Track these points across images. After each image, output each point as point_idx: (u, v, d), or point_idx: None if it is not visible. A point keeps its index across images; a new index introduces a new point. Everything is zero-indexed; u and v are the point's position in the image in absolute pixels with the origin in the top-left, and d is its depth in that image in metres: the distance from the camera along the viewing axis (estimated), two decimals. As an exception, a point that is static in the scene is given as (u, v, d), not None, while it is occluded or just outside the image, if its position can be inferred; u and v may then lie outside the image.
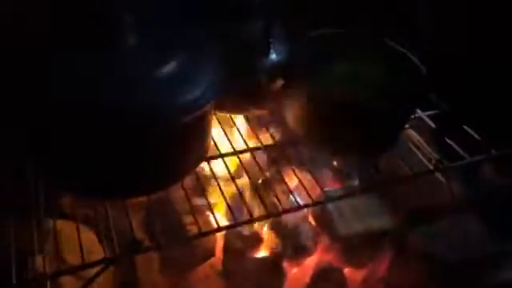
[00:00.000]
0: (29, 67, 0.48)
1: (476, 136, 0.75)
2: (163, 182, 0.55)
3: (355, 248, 0.90)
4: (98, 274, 0.50)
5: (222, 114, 0.70)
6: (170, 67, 0.49)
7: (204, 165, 0.63)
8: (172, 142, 0.50)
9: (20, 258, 0.53)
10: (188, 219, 0.78)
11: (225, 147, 0.67)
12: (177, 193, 0.71)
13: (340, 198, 0.66)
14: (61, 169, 0.51)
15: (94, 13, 0.48)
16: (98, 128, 0.45)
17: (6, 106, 0.47)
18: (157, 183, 0.54)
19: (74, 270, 0.49)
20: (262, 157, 0.72)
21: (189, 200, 0.58)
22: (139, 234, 0.76)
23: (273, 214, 0.60)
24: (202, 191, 0.61)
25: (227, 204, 0.58)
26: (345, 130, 0.63)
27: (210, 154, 0.63)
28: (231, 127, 0.70)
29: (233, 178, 0.62)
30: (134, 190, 0.53)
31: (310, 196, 0.62)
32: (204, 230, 0.53)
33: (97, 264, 0.49)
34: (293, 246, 0.87)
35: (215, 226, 0.56)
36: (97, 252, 0.71)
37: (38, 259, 0.57)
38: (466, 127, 0.76)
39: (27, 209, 0.57)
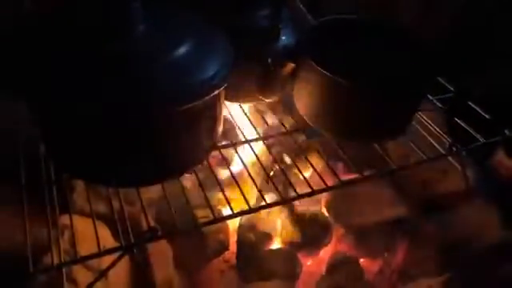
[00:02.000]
0: (40, 57, 0.48)
1: (488, 117, 0.74)
2: (175, 169, 0.55)
3: (370, 238, 0.89)
4: (114, 263, 0.50)
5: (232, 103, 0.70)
6: (179, 52, 0.49)
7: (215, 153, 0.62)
8: (181, 127, 0.50)
9: (36, 250, 0.53)
10: (200, 212, 0.78)
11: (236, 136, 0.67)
12: (190, 182, 0.71)
13: (353, 183, 0.65)
14: (76, 156, 0.51)
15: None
16: (111, 114, 0.45)
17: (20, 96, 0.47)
18: (169, 170, 0.54)
19: (90, 258, 0.49)
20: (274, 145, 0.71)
21: (202, 188, 0.57)
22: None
23: (287, 200, 0.59)
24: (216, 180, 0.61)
25: (241, 191, 0.57)
26: (356, 115, 0.63)
27: (220, 142, 0.62)
28: (242, 116, 0.70)
29: (245, 166, 0.61)
30: (147, 177, 0.53)
31: (324, 182, 0.61)
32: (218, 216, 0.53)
33: (113, 251, 0.49)
34: (307, 237, 0.87)
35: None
36: (110, 246, 0.71)
37: (54, 251, 0.57)
38: (477, 108, 0.75)
39: (42, 202, 0.57)
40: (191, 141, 0.54)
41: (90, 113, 0.45)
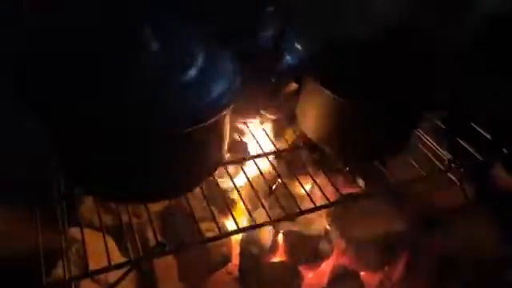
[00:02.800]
0: (51, 73, 0.50)
1: (487, 136, 0.76)
2: (183, 186, 0.56)
3: (370, 251, 0.91)
4: (123, 276, 0.52)
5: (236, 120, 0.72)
6: (187, 74, 0.51)
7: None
8: (189, 146, 0.52)
9: (47, 263, 0.55)
10: (205, 226, 0.80)
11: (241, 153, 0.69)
12: (194, 198, 0.73)
13: (355, 199, 0.67)
14: (88, 173, 0.53)
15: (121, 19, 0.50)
16: (120, 131, 0.47)
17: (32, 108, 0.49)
18: (177, 187, 0.56)
19: (100, 272, 0.51)
20: (277, 161, 0.73)
21: (208, 203, 0.59)
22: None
23: (290, 216, 0.61)
24: (220, 196, 0.62)
25: (245, 206, 0.59)
26: (357, 133, 0.65)
27: (225, 159, 0.64)
28: (247, 133, 0.72)
29: (250, 182, 0.63)
30: (156, 194, 0.55)
31: (326, 197, 0.63)
32: (222, 231, 0.54)
33: (122, 266, 0.50)
34: (309, 250, 0.88)
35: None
36: (117, 260, 0.72)
37: (63, 264, 0.59)
38: (476, 127, 0.77)
39: (52, 216, 0.59)
40: (199, 159, 0.55)
41: (101, 132, 0.47)
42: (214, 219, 0.57)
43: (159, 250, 0.51)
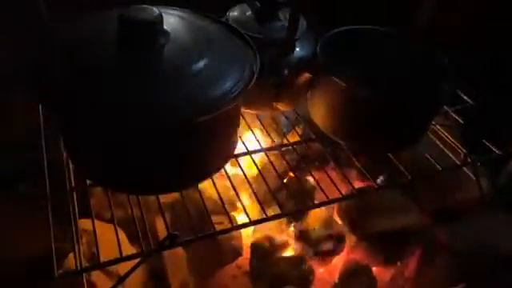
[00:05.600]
0: (64, 67, 0.50)
1: (503, 129, 0.74)
2: (192, 177, 0.56)
3: (383, 246, 0.89)
4: (134, 268, 0.51)
5: (249, 113, 0.71)
6: (200, 64, 0.50)
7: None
8: (200, 137, 0.51)
9: (58, 255, 0.55)
10: (215, 219, 0.79)
11: (252, 145, 0.68)
12: (205, 190, 0.72)
13: (368, 192, 0.66)
14: (99, 164, 0.52)
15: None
16: (132, 124, 0.46)
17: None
18: (186, 179, 0.55)
19: (111, 263, 0.50)
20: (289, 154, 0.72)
21: (220, 196, 0.59)
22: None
23: (302, 209, 0.60)
24: (232, 188, 0.62)
25: (257, 199, 0.58)
26: (371, 125, 0.64)
27: (237, 151, 0.64)
28: (257, 125, 0.71)
29: (261, 174, 0.62)
30: (166, 186, 0.54)
31: (339, 191, 0.62)
32: (221, 227, 0.54)
33: (134, 257, 0.50)
34: (320, 245, 0.87)
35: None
36: (127, 251, 0.72)
37: (75, 256, 0.59)
38: (492, 121, 0.75)
39: (63, 207, 0.59)
40: (211, 150, 0.55)
41: (113, 123, 0.46)
42: (225, 211, 0.56)
43: (170, 241, 0.51)
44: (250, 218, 0.56)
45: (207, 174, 0.56)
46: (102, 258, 0.52)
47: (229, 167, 0.68)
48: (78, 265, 0.51)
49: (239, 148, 0.64)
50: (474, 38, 0.86)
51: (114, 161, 0.51)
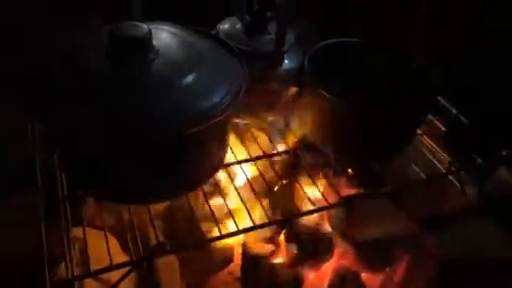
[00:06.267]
0: (54, 79, 0.51)
1: (487, 138, 0.77)
2: (182, 187, 0.58)
3: (372, 253, 0.91)
4: (124, 276, 0.53)
5: (239, 123, 0.73)
6: (188, 78, 0.52)
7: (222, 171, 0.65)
8: (190, 148, 0.53)
9: (50, 263, 0.56)
10: (206, 226, 0.81)
11: (242, 154, 0.69)
12: (196, 199, 0.74)
13: (354, 201, 0.67)
14: (90, 174, 0.54)
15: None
16: (119, 135, 0.48)
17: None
18: (175, 189, 0.57)
19: (102, 272, 0.52)
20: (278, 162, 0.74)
21: (209, 205, 0.60)
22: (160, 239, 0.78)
23: (290, 217, 0.62)
24: (221, 197, 0.63)
25: (246, 208, 0.60)
26: (357, 136, 0.66)
27: (227, 160, 0.65)
28: (247, 135, 0.73)
29: (250, 184, 0.64)
30: (156, 195, 0.56)
31: (326, 199, 0.64)
32: (213, 234, 0.55)
33: (124, 266, 0.51)
34: (310, 251, 0.88)
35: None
36: (119, 259, 0.73)
37: (66, 264, 0.60)
38: (476, 130, 0.77)
39: (55, 215, 0.60)
40: (200, 160, 0.56)
41: (104, 135, 0.48)
42: (214, 220, 0.57)
43: (160, 250, 0.52)
44: (238, 227, 0.57)
45: (197, 184, 0.58)
46: (96, 266, 0.53)
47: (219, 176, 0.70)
48: (69, 273, 0.52)
49: (229, 157, 0.66)
50: (459, 51, 0.89)
51: (104, 171, 0.52)
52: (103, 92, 0.50)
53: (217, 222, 0.57)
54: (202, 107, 0.51)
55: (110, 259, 0.52)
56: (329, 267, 0.91)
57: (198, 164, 0.56)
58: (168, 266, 0.77)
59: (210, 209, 0.59)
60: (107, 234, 0.73)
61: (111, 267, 0.51)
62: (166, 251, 0.53)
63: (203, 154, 0.56)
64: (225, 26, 0.71)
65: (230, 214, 0.59)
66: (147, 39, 0.52)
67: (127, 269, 0.53)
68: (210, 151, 0.57)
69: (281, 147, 0.72)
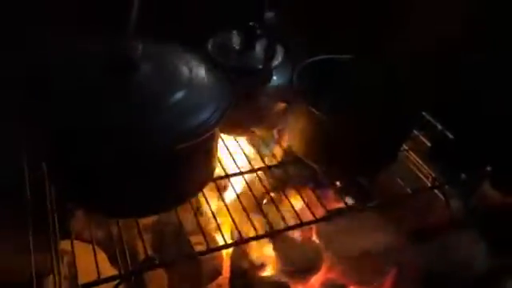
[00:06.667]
0: (49, 91, 0.52)
1: (471, 153, 0.78)
2: (170, 202, 0.58)
3: (359, 266, 0.92)
4: (113, 290, 0.53)
5: (227, 136, 0.74)
6: (176, 95, 0.53)
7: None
8: (179, 163, 0.54)
9: (38, 277, 0.56)
10: (195, 239, 0.81)
11: (231, 168, 0.70)
12: (185, 213, 0.74)
13: (340, 215, 0.69)
14: (79, 187, 0.54)
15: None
16: (109, 150, 0.49)
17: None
18: (164, 203, 0.58)
19: (90, 286, 0.52)
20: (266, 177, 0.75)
21: (197, 219, 0.61)
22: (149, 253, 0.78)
23: (277, 231, 0.62)
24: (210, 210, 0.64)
25: (233, 222, 0.61)
26: (344, 150, 0.67)
27: (216, 174, 0.66)
28: (236, 149, 0.74)
29: (238, 198, 0.65)
30: (145, 209, 0.56)
31: (312, 214, 0.65)
32: (212, 246, 0.56)
33: (112, 280, 0.52)
34: (298, 264, 0.89)
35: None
36: (108, 273, 0.73)
37: (53, 279, 0.60)
38: (460, 145, 0.79)
39: (44, 231, 0.60)
40: (189, 175, 0.57)
41: (94, 148, 0.49)
42: (202, 234, 0.58)
43: (148, 264, 0.52)
44: (225, 241, 0.58)
45: (185, 198, 0.59)
46: (85, 279, 0.53)
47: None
48: (57, 287, 0.53)
49: (219, 171, 0.67)
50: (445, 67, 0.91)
51: (94, 185, 0.53)
52: (93, 107, 0.50)
53: (204, 235, 0.57)
54: (191, 123, 0.52)
55: (98, 273, 0.52)
56: (316, 280, 0.91)
57: (186, 178, 0.57)
58: (156, 280, 0.77)
59: (198, 222, 0.60)
60: (96, 247, 0.73)
61: (99, 281, 0.52)
62: (154, 265, 0.53)
63: (192, 168, 0.57)
64: (215, 42, 0.72)
65: (218, 227, 0.59)
66: (137, 57, 0.53)
67: (115, 282, 0.53)
68: (198, 166, 0.58)
69: (269, 161, 0.73)
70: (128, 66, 0.53)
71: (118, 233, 0.57)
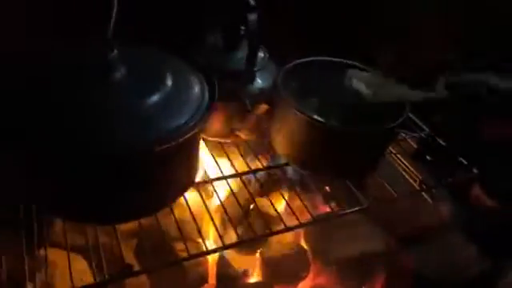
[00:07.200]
0: (21, 98, 0.50)
1: (459, 158, 0.78)
2: (150, 207, 0.56)
3: (348, 271, 0.90)
4: (88, 299, 0.51)
5: (211, 140, 0.72)
6: (154, 96, 0.52)
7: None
8: (158, 166, 0.52)
9: (12, 283, 0.54)
10: (179, 244, 0.79)
11: (214, 172, 0.69)
12: (168, 219, 0.73)
13: (326, 219, 0.67)
14: (52, 195, 0.52)
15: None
16: (86, 155, 0.47)
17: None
18: (144, 208, 0.56)
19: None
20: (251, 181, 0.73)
21: (178, 225, 0.59)
22: (131, 260, 0.76)
23: (261, 236, 0.61)
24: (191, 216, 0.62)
25: (215, 227, 0.59)
26: (328, 154, 0.66)
27: (198, 179, 0.64)
28: (220, 153, 0.72)
29: (221, 203, 0.63)
30: (122, 215, 0.55)
31: (297, 218, 0.63)
32: (192, 252, 0.54)
33: (86, 288, 0.50)
34: (286, 270, 0.88)
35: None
36: (89, 280, 0.71)
37: (31, 286, 0.58)
38: (448, 148, 0.78)
39: (19, 237, 0.58)
40: (168, 179, 0.56)
41: (66, 156, 0.47)
42: (182, 240, 0.56)
43: (125, 271, 0.51)
44: (206, 247, 0.56)
45: (165, 203, 0.57)
46: (61, 286, 0.51)
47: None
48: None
49: (201, 175, 0.65)
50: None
51: (69, 191, 0.51)
52: (66, 111, 0.49)
53: (185, 241, 0.56)
54: (170, 125, 0.50)
55: (72, 281, 0.50)
56: (305, 286, 0.90)
57: (166, 183, 0.55)
58: (138, 287, 0.75)
59: (179, 228, 0.58)
60: (76, 254, 0.72)
61: (73, 290, 0.50)
62: (131, 273, 0.51)
63: (172, 172, 0.55)
64: (197, 43, 0.71)
65: (199, 233, 0.58)
66: (113, 59, 0.52)
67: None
68: (178, 170, 0.56)
69: (254, 165, 0.72)
70: (104, 68, 0.51)
71: (95, 239, 0.55)
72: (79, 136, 0.47)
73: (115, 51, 0.52)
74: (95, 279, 0.51)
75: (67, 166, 0.49)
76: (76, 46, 0.57)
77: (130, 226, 0.81)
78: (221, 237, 0.58)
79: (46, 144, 0.47)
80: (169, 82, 0.54)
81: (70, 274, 0.51)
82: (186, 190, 0.60)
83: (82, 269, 0.73)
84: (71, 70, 0.53)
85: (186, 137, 0.51)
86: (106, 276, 0.51)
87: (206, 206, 0.62)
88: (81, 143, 0.47)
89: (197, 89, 0.57)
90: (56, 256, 0.69)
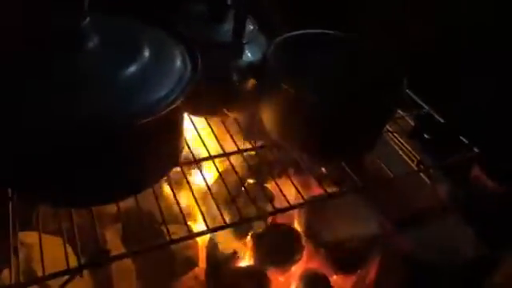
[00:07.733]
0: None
1: (458, 134, 0.74)
2: (128, 188, 0.53)
3: (343, 254, 0.88)
4: (63, 285, 0.48)
5: (198, 119, 0.68)
6: (131, 68, 0.48)
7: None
8: (137, 144, 0.49)
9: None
10: (173, 228, 0.76)
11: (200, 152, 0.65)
12: (161, 200, 0.70)
13: (321, 200, 0.64)
14: (26, 178, 0.49)
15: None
16: (55, 131, 0.44)
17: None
18: (123, 190, 0.52)
19: (36, 281, 0.47)
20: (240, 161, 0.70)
21: (160, 208, 0.56)
22: (116, 244, 0.74)
23: (247, 219, 0.58)
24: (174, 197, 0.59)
25: (200, 210, 0.56)
26: (320, 132, 0.62)
27: (184, 159, 0.61)
28: (206, 131, 0.69)
29: (207, 184, 0.60)
30: (98, 197, 0.51)
31: (287, 200, 0.60)
32: (174, 237, 0.51)
33: (60, 275, 0.47)
34: (279, 253, 0.85)
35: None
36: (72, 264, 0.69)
37: (8, 271, 0.55)
38: (447, 127, 0.75)
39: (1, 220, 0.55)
40: (148, 159, 0.52)
41: (36, 135, 0.44)
42: (163, 223, 0.53)
43: (100, 257, 0.48)
44: (190, 231, 0.53)
45: (145, 184, 0.54)
46: (47, 271, 0.48)
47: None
48: (14, 280, 0.48)
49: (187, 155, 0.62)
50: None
51: (41, 173, 0.48)
52: (37, 84, 0.45)
53: (165, 224, 0.53)
54: (149, 98, 0.47)
55: (43, 268, 0.47)
56: (298, 269, 0.87)
57: (145, 163, 0.52)
58: (123, 271, 0.73)
59: (160, 210, 0.55)
60: (60, 239, 0.69)
61: (46, 277, 0.47)
62: (108, 259, 0.48)
63: (152, 151, 0.52)
64: (180, 14, 0.66)
65: (183, 217, 0.55)
66: (87, 27, 0.48)
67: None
68: (160, 148, 0.53)
69: (243, 145, 0.68)
70: (75, 36, 0.47)
71: (70, 226, 0.52)
72: (48, 110, 0.44)
73: (87, 19, 0.48)
74: (67, 265, 0.48)
75: (35, 143, 0.45)
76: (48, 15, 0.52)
77: (115, 209, 0.78)
78: (205, 220, 0.55)
79: (13, 121, 0.43)
80: (147, 53, 0.51)
81: (42, 260, 0.48)
82: (169, 170, 0.57)
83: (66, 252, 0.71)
84: (39, 39, 0.49)
85: (167, 111, 0.47)
86: (82, 262, 0.48)
87: (190, 188, 0.59)
88: (50, 118, 0.43)
89: (178, 61, 0.53)
90: (38, 240, 0.67)
